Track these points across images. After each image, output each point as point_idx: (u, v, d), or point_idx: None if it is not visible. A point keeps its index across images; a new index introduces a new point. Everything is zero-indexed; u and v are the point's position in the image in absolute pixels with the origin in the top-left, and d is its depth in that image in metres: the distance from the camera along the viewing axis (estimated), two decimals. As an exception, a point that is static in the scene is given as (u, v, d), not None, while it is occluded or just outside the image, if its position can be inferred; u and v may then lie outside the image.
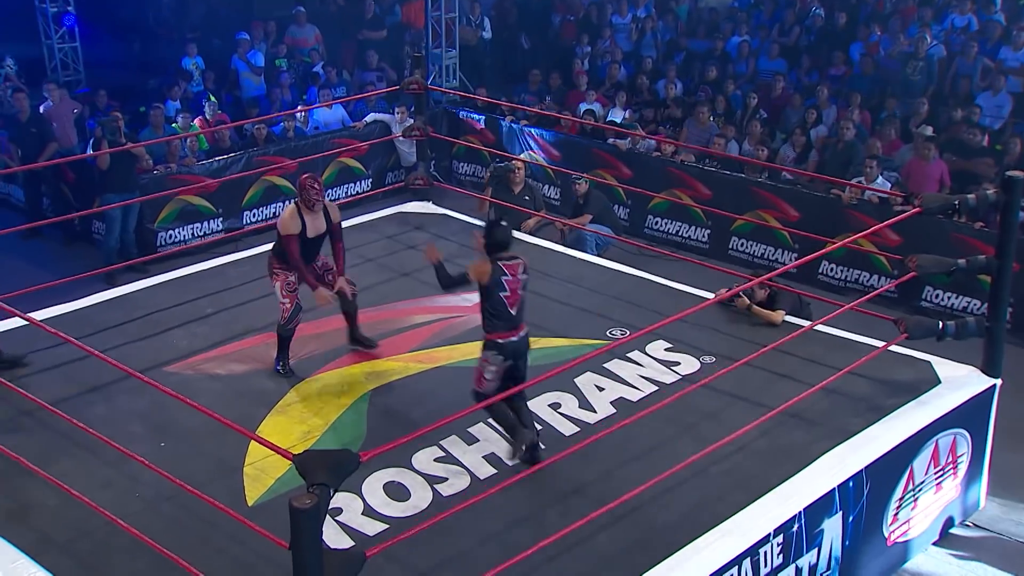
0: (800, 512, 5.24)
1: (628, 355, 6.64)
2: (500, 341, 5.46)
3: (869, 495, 5.63)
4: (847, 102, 11.37)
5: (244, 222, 11.04)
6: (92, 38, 13.83)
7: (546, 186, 11.98)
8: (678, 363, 6.61)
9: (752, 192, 10.35)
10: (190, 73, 13.06)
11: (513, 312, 5.48)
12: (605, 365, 6.51)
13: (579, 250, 8.94)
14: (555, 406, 6.10)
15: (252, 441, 5.46)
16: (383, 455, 4.49)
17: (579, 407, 6.12)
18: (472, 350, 6.77)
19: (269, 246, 8.37)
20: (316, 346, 6.81)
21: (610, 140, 11.44)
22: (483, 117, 12.68)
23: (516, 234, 8.72)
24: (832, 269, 9.95)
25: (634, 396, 6.24)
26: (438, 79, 13.45)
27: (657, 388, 6.32)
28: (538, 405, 6.04)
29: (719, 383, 5.99)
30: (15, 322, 6.58)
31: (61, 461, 5.57)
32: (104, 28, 14.85)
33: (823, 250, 6.94)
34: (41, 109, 11.32)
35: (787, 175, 10.36)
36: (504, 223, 5.66)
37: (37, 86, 11.94)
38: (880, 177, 9.69)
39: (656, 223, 11.16)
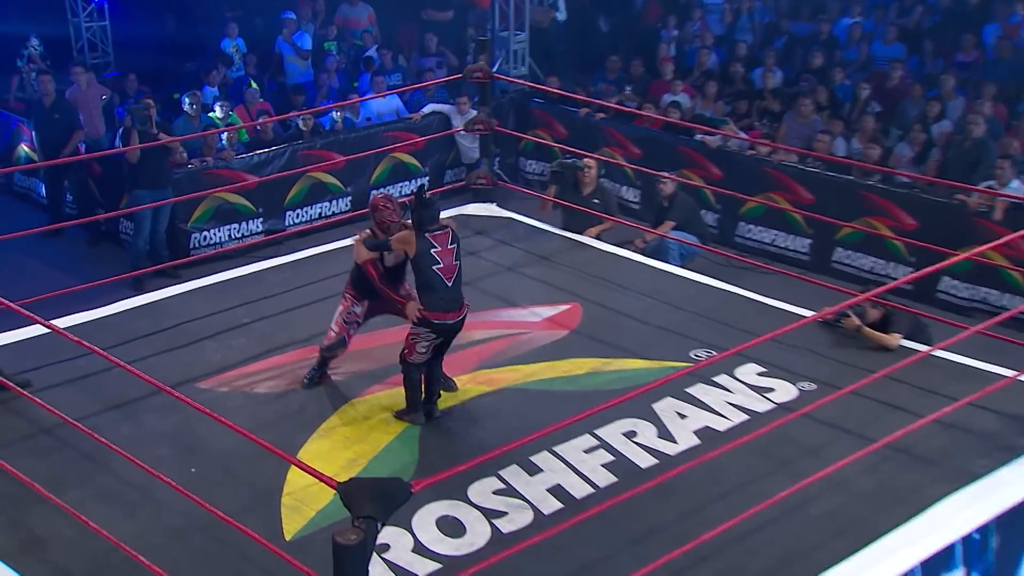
0: (915, 567, 5.14)
1: (715, 379, 6.61)
2: (435, 322, 5.99)
3: (1000, 552, 5.49)
4: (977, 93, 11.18)
5: (286, 223, 11.20)
6: (122, 17, 14.16)
7: (624, 188, 11.98)
8: (772, 389, 6.56)
9: (861, 197, 10.24)
10: (230, 57, 13.29)
11: (450, 284, 5.97)
12: (688, 390, 6.48)
13: (661, 260, 8.92)
14: (630, 435, 6.08)
15: (292, 467, 5.53)
16: (436, 486, 4.51)
17: (658, 436, 6.10)
18: (538, 371, 6.82)
19: (314, 250, 8.64)
20: (365, 363, 6.86)
21: (698, 136, 11.40)
22: (555, 109, 12.72)
23: (580, 239, 8.89)
24: (954, 286, 9.80)
25: (721, 425, 6.21)
26: (505, 66, 13.53)
27: (748, 417, 6.27)
28: (611, 433, 6.04)
29: (820, 413, 5.93)
30: (34, 330, 6.76)
31: (80, 486, 5.67)
32: (135, 6, 15.17)
33: (944, 263, 6.82)
34: (67, 94, 11.57)
35: (903, 178, 10.23)
36: (430, 198, 6.02)
37: (63, 69, 12.20)
38: (1016, 181, 9.51)
39: (749, 231, 11.09)
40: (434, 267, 5.93)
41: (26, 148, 12.00)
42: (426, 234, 5.96)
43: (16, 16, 14.26)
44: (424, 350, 6.08)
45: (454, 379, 6.59)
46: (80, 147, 11.24)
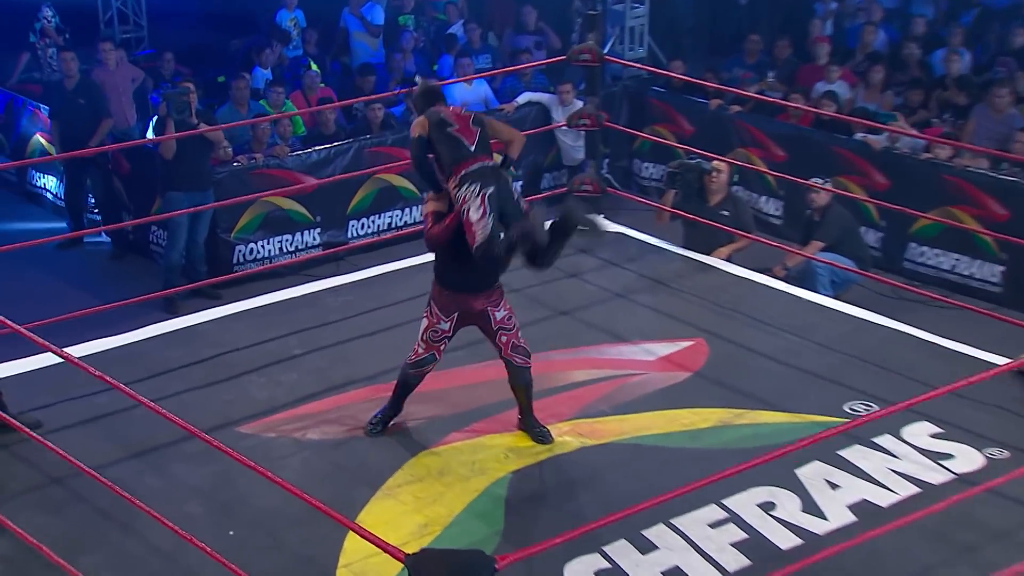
0: None
1: (876, 440, 6.52)
2: (467, 170, 6.20)
3: None
4: None
5: (349, 235, 11.32)
6: (157, -18, 14.49)
7: (763, 198, 11.90)
8: (951, 456, 6.46)
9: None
10: (287, 32, 13.51)
11: (472, 148, 6.31)
12: (841, 453, 6.41)
13: (808, 288, 8.87)
14: (767, 507, 6.02)
15: (350, 533, 5.54)
16: (525, 562, 4.50)
17: (802, 511, 6.03)
18: (652, 423, 6.78)
19: (381, 268, 8.71)
20: (440, 406, 6.89)
21: (858, 135, 11.29)
22: (679, 100, 12.70)
23: (706, 260, 8.84)
24: None
25: (884, 499, 6.12)
26: (618, 47, 13.57)
27: (919, 490, 6.18)
28: (743, 504, 5.98)
29: (1014, 489, 5.83)
30: (46, 358, 6.90)
31: (96, 550, 5.74)
32: (174, -30, 15.52)
33: None
34: (92, 75, 11.81)
35: None
36: (432, 83, 6.48)
37: (85, 45, 12.44)
38: None
39: (922, 254, 10.95)
40: (449, 129, 6.33)
41: (42, 139, 12.27)
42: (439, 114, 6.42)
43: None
44: (480, 214, 6.06)
45: (548, 428, 6.60)
46: (107, 139, 11.43)
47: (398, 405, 6.68)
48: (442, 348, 6.51)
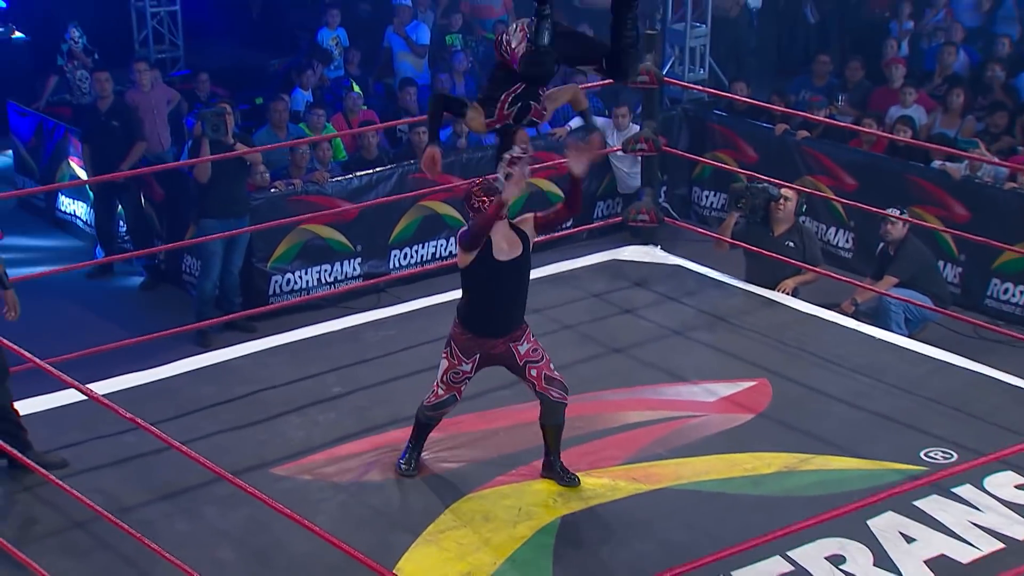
0: None
1: (955, 491, 6.47)
2: None
3: None
4: None
5: (391, 265, 11.35)
6: (195, 1, 14.60)
7: (832, 229, 11.83)
8: (1037, 509, 6.41)
9: None
10: (328, 52, 13.59)
11: None
12: (918, 504, 6.36)
13: (880, 327, 8.82)
14: (837, 561, 5.97)
15: (388, 582, 5.56)
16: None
17: (875, 565, 5.98)
18: (712, 467, 6.75)
19: (425, 301, 8.72)
20: (485, 449, 6.90)
21: (936, 163, 11.21)
22: (742, 125, 12.67)
23: (770, 295, 8.80)
24: None
25: (964, 555, 6.07)
26: (678, 68, 13.57)
27: (1002, 546, 6.13)
28: (811, 557, 5.93)
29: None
30: (72, 395, 6.95)
31: (122, 597, 5.82)
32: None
33: None
34: (125, 97, 11.92)
35: None
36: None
37: (120, 66, 12.57)
38: None
39: (1006, 291, 10.83)
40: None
41: (74, 164, 12.39)
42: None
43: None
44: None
45: (599, 471, 6.60)
46: (140, 163, 11.51)
47: (420, 445, 6.70)
48: (463, 388, 6.52)
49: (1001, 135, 11.76)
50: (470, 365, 6.44)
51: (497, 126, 6.40)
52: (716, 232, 9.69)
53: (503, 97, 6.36)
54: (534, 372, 6.41)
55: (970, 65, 13.32)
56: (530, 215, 6.55)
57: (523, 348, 6.40)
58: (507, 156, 6.19)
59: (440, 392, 6.51)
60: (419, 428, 6.68)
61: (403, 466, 6.69)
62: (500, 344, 6.39)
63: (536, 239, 6.55)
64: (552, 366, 6.45)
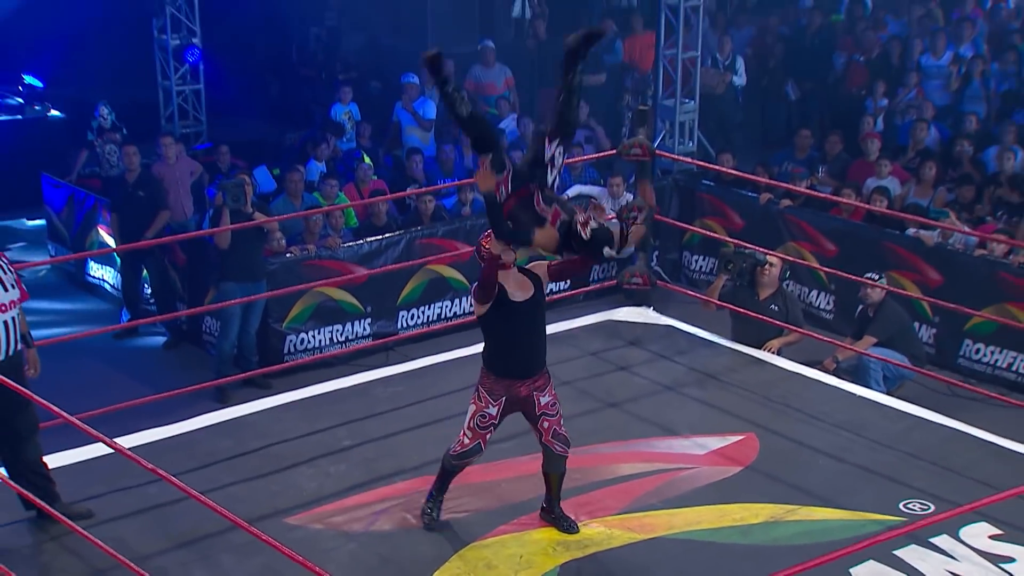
0: None
1: (933, 540, 6.43)
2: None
3: None
4: None
5: (399, 325, 11.33)
6: (218, 79, 14.71)
7: (813, 292, 11.82)
8: (1012, 559, 6.36)
9: None
10: (341, 125, 13.65)
11: None
12: (897, 553, 6.31)
13: (860, 384, 8.79)
14: (821, 607, 5.91)
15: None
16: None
17: (857, 611, 5.93)
18: (702, 517, 6.70)
19: (431, 359, 8.70)
20: (489, 499, 6.86)
21: (911, 231, 11.21)
22: (729, 194, 12.68)
23: (757, 354, 8.78)
24: None
25: (940, 602, 6.02)
26: (669, 141, 13.60)
27: (976, 592, 6.07)
28: (796, 603, 5.87)
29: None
30: (100, 448, 6.91)
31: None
32: (234, 66, 15.75)
33: None
34: (152, 169, 11.98)
35: None
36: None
37: (147, 140, 12.65)
38: None
39: (978, 351, 10.79)
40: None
41: (102, 232, 12.43)
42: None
43: (91, 79, 14.94)
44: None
45: (595, 521, 6.55)
46: (164, 231, 11.56)
47: (444, 491, 6.68)
48: (488, 437, 6.48)
49: (970, 206, 11.78)
50: (496, 408, 6.42)
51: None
52: (704, 294, 9.69)
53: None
54: (546, 425, 6.42)
55: (940, 140, 13.33)
56: (543, 262, 6.60)
57: (544, 400, 6.43)
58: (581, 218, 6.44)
59: (466, 441, 6.48)
60: (444, 475, 6.65)
61: (428, 510, 6.66)
62: (524, 388, 6.39)
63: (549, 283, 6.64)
64: (562, 422, 6.46)
